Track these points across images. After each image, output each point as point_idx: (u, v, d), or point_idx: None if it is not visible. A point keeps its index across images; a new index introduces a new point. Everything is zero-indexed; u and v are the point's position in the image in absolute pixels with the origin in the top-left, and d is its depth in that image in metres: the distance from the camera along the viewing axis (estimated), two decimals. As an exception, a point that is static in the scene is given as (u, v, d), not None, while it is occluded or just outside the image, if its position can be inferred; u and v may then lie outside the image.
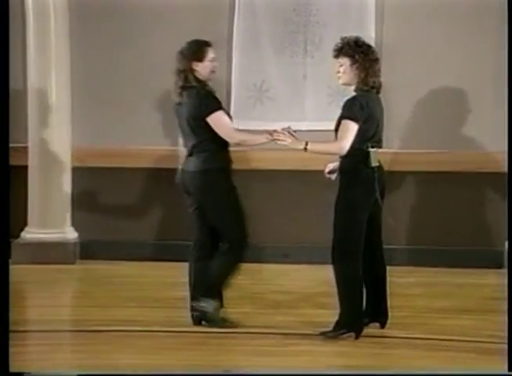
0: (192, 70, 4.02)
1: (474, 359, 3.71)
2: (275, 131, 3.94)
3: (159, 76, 5.51)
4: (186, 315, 4.31)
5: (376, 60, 3.93)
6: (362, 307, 3.94)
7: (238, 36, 5.48)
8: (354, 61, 3.88)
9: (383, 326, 4.03)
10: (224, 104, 5.43)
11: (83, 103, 5.57)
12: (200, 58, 4.04)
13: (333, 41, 4.02)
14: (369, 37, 5.32)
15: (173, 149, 5.53)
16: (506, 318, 3.80)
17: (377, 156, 3.90)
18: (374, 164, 3.89)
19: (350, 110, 3.85)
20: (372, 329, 4.01)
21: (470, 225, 5.45)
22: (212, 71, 4.07)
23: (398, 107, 5.31)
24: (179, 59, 4.06)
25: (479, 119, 5.41)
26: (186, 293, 4.74)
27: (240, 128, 5.40)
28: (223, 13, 5.47)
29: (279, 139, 3.91)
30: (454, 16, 5.34)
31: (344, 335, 3.89)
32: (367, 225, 3.92)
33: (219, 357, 3.73)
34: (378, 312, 4.02)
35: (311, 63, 5.47)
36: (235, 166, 5.44)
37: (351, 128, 3.82)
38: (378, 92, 3.97)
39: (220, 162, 4.06)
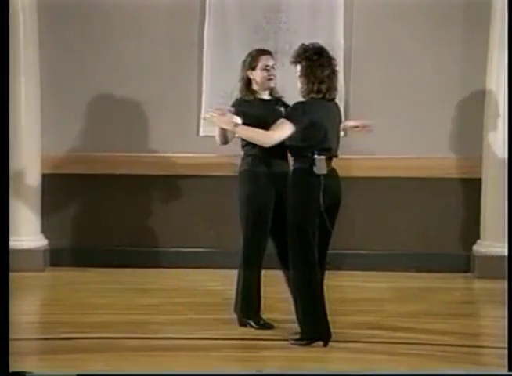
0: (247, 79, 4.17)
1: (443, 363, 3.74)
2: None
3: (131, 81, 5.51)
4: (157, 321, 4.31)
5: (322, 65, 3.90)
6: (326, 312, 3.91)
7: (209, 42, 5.50)
8: (301, 68, 3.93)
9: None
10: (194, 111, 5.54)
11: (54, 109, 5.54)
12: (253, 66, 4.16)
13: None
14: (339, 43, 5.40)
15: (146, 155, 5.52)
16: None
17: (324, 164, 3.88)
18: (320, 172, 3.87)
19: (289, 112, 3.92)
20: (342, 334, 4.05)
21: (437, 230, 5.52)
22: (268, 79, 4.17)
23: (367, 112, 5.37)
24: (240, 68, 4.21)
25: (446, 124, 5.48)
26: (157, 299, 4.75)
27: (210, 134, 5.47)
28: (194, 20, 5.49)
29: (211, 117, 4.02)
30: (423, 19, 5.40)
31: (313, 344, 3.90)
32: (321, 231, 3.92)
33: (191, 363, 3.73)
34: None
35: (281, 69, 5.50)
36: (209, 172, 5.50)
37: (285, 126, 3.86)
38: (330, 100, 3.94)
39: (253, 166, 4.09)
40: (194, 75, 5.50)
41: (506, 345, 3.49)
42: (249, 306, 4.17)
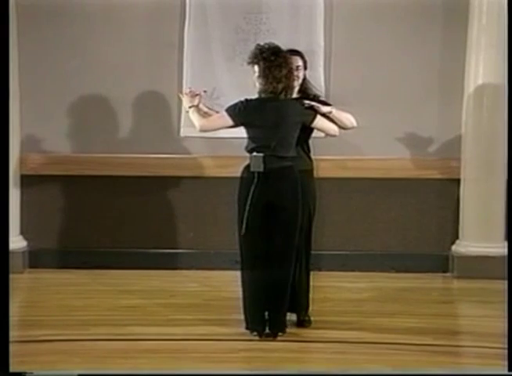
0: None
1: (422, 362, 3.78)
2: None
3: (111, 82, 5.49)
4: (137, 322, 4.30)
5: (280, 66, 3.96)
6: (260, 307, 4.00)
7: (189, 43, 5.49)
8: (259, 68, 3.99)
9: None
10: (175, 112, 5.53)
11: (32, 110, 5.51)
12: None
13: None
14: (319, 44, 5.41)
15: (125, 156, 5.50)
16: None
17: (259, 161, 3.92)
18: (254, 169, 3.94)
19: (230, 106, 4.05)
20: (322, 334, 4.06)
21: (416, 231, 5.55)
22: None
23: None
24: None
25: (425, 125, 5.51)
26: (137, 301, 4.74)
27: (190, 135, 5.47)
28: (174, 21, 5.48)
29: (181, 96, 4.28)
30: (402, 20, 5.41)
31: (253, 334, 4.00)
32: (269, 229, 3.97)
33: (170, 365, 3.73)
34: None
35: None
36: (189, 173, 5.50)
37: (220, 117, 4.07)
38: (285, 99, 3.99)
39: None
40: (174, 76, 5.49)
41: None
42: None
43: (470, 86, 5.35)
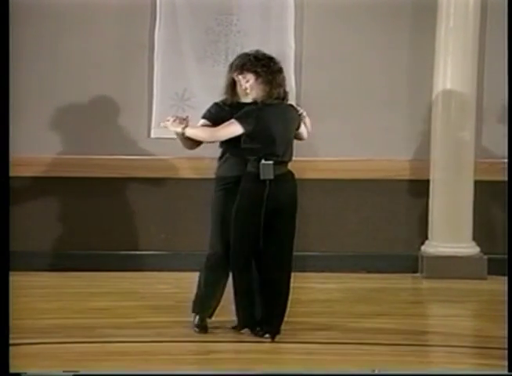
0: (232, 81, 4.09)
1: (391, 362, 3.81)
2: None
3: (81, 83, 5.45)
4: (107, 325, 4.27)
5: (279, 71, 4.00)
6: (251, 304, 4.02)
7: (159, 44, 5.48)
8: (258, 76, 3.97)
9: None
10: (145, 113, 5.52)
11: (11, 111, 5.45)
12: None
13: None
14: (290, 46, 5.44)
15: (96, 158, 5.46)
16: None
17: (270, 169, 3.90)
18: (265, 177, 3.91)
19: (241, 114, 3.96)
20: (292, 335, 4.07)
21: (386, 231, 5.60)
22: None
23: (317, 115, 5.40)
24: (227, 70, 4.15)
25: (394, 126, 5.56)
26: (107, 303, 4.71)
27: (161, 136, 5.46)
28: (144, 21, 5.46)
29: (165, 123, 4.06)
30: (372, 24, 5.45)
31: (243, 331, 4.01)
32: (265, 235, 3.97)
33: (141, 367, 3.71)
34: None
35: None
36: (160, 175, 5.48)
37: (231, 126, 3.94)
38: (283, 105, 4.01)
39: (219, 171, 4.06)
40: (145, 77, 5.48)
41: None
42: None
43: (438, 88, 5.41)
